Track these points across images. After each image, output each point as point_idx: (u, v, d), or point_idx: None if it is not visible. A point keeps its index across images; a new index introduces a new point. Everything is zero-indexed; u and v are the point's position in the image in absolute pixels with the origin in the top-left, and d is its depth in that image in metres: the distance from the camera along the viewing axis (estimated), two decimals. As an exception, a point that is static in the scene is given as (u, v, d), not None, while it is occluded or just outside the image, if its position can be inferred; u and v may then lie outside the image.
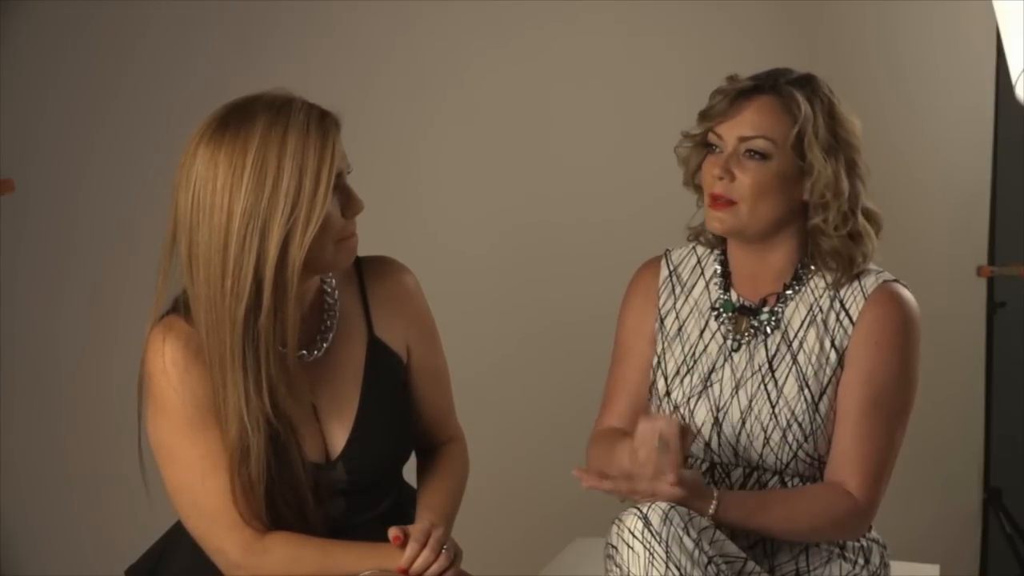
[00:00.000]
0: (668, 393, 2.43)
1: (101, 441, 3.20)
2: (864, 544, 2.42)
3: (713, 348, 2.42)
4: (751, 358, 2.40)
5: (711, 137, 2.38)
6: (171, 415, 2.17)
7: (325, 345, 2.26)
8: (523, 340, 3.80)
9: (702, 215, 2.43)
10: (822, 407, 2.36)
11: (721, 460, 2.41)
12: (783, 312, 2.40)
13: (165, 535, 2.34)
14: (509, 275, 3.81)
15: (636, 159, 3.82)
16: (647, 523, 2.17)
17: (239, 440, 2.14)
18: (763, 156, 2.33)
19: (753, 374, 2.39)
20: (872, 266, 2.40)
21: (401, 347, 2.31)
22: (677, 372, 2.44)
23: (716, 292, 2.45)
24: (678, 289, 2.48)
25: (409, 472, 2.41)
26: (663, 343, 2.46)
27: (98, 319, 3.32)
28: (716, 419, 2.39)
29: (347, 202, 2.18)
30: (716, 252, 2.47)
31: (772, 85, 2.36)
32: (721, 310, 2.44)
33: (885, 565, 2.44)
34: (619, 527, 2.20)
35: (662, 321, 2.47)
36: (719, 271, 2.46)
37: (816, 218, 2.35)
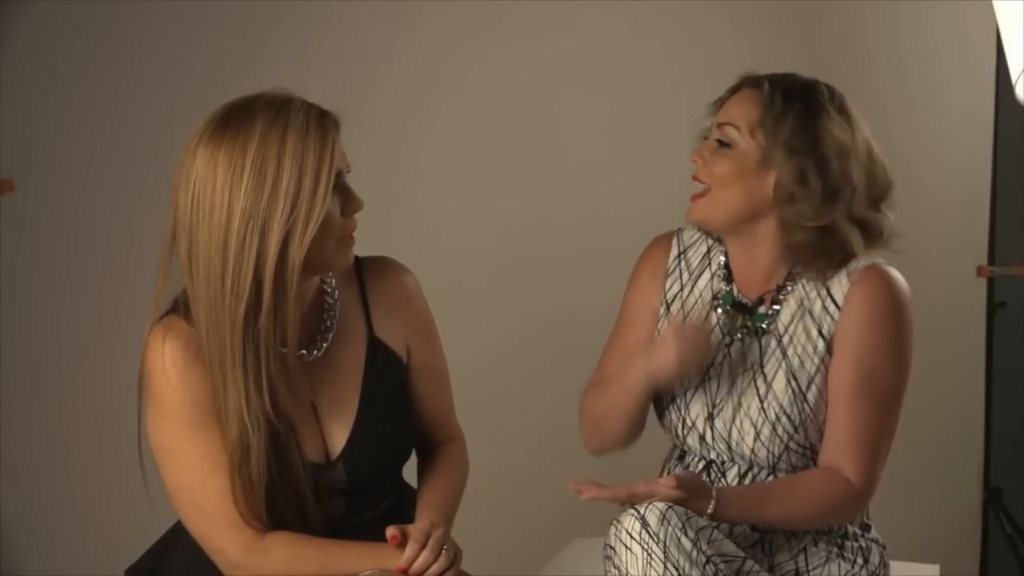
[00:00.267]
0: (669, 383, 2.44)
1: (101, 441, 3.20)
2: (863, 544, 2.42)
3: (713, 341, 2.43)
4: (744, 356, 2.40)
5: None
6: (171, 415, 2.17)
7: (325, 345, 2.26)
8: (523, 339, 3.80)
9: None
10: (810, 396, 2.36)
11: (716, 457, 2.41)
12: (777, 315, 2.40)
13: (165, 535, 2.34)
14: (509, 274, 3.81)
15: (636, 158, 3.82)
16: (644, 524, 2.17)
17: (239, 439, 2.14)
18: (728, 144, 2.36)
19: (745, 371, 2.39)
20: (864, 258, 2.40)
21: (401, 347, 2.31)
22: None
23: (719, 284, 2.46)
24: (686, 275, 2.49)
25: (409, 472, 2.41)
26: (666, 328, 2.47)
27: (98, 319, 3.32)
28: (710, 413, 2.39)
29: (347, 201, 2.18)
30: (722, 246, 2.48)
31: (757, 80, 2.38)
32: (721, 301, 2.44)
33: (885, 565, 2.44)
34: (617, 528, 2.20)
35: (668, 306, 2.48)
36: (723, 263, 2.47)
37: (785, 210, 2.35)
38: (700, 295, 2.47)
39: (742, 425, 2.37)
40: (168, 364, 2.16)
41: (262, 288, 2.11)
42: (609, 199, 3.81)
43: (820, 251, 2.35)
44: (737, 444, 2.38)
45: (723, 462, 2.42)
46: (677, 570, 2.16)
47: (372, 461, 2.26)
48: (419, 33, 3.68)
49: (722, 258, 2.48)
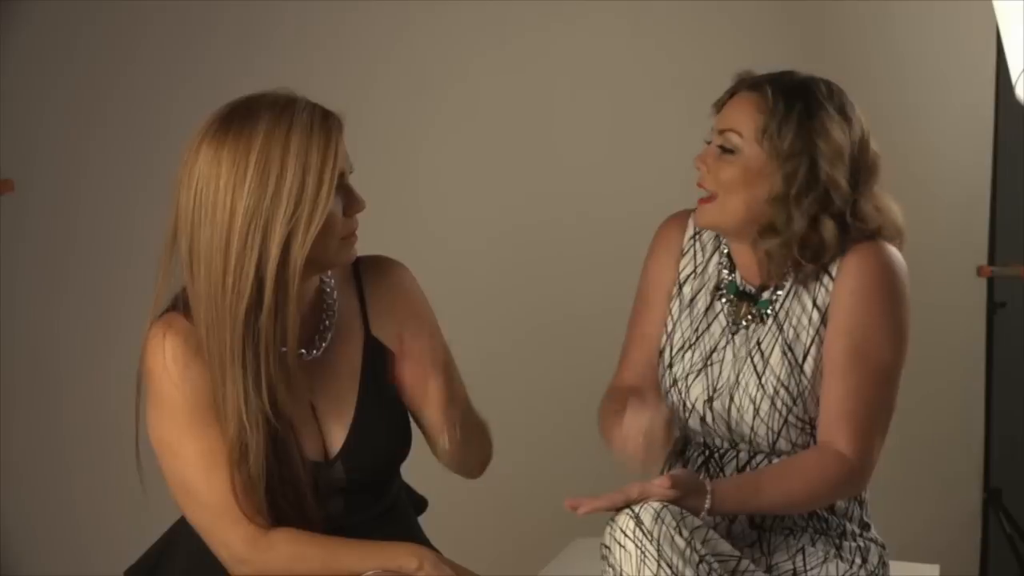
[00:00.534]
0: (671, 365, 2.44)
1: (101, 441, 3.19)
2: (862, 544, 2.42)
3: (716, 328, 2.44)
4: (747, 341, 2.41)
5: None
6: (172, 411, 2.17)
7: (324, 344, 2.26)
8: (523, 339, 3.80)
9: None
10: (807, 367, 2.36)
11: (715, 442, 2.42)
12: (781, 297, 2.41)
13: (164, 536, 2.34)
14: (509, 275, 3.81)
15: (636, 158, 3.82)
16: (639, 522, 2.18)
17: (238, 438, 2.14)
18: (732, 150, 2.36)
19: (746, 355, 2.40)
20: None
21: (395, 343, 2.31)
22: (682, 346, 2.45)
23: (723, 273, 2.47)
24: (699, 257, 2.49)
25: (410, 473, 2.41)
26: (678, 308, 2.47)
27: (98, 319, 3.33)
28: (710, 396, 2.40)
29: (349, 201, 2.18)
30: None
31: (755, 83, 2.38)
32: (725, 290, 2.45)
33: (884, 565, 2.44)
34: (612, 527, 2.20)
35: (680, 287, 2.48)
36: (727, 253, 2.48)
37: (773, 214, 2.35)
38: (707, 279, 2.48)
39: (741, 403, 2.38)
40: (169, 361, 2.16)
41: (263, 287, 2.11)
42: (610, 199, 3.81)
43: (789, 256, 2.36)
44: (737, 424, 2.39)
45: (723, 452, 2.42)
46: (671, 568, 2.17)
47: (371, 459, 2.26)
48: (419, 33, 3.68)
49: (727, 248, 2.48)
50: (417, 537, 2.35)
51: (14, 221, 3.21)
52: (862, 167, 2.37)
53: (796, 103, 2.35)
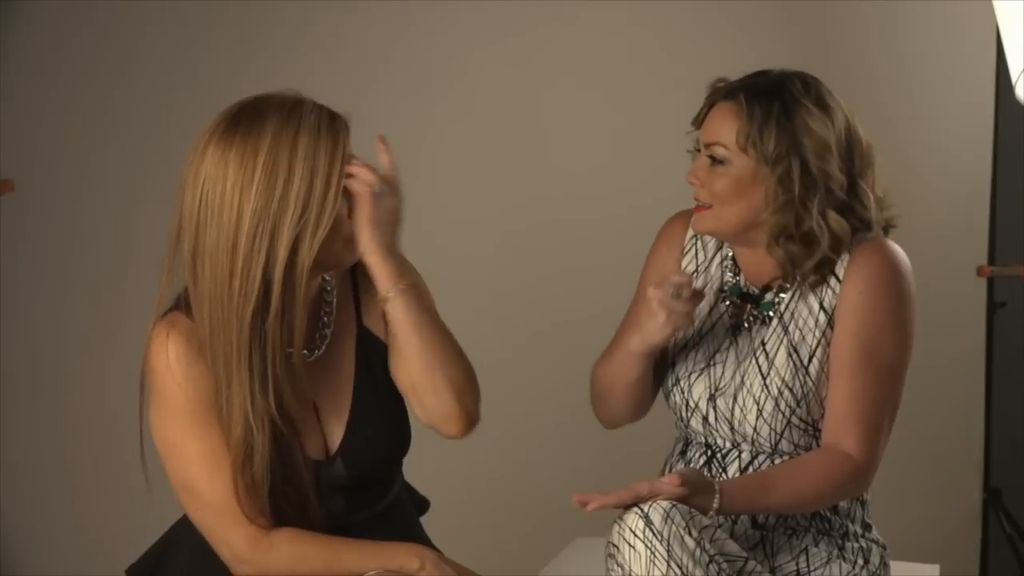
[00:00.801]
0: (673, 364, 2.44)
1: (101, 441, 3.20)
2: (864, 544, 2.42)
3: (720, 329, 2.45)
4: (751, 342, 2.41)
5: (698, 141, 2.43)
6: (175, 411, 2.17)
7: (325, 343, 2.26)
8: (523, 340, 3.80)
9: None
10: (812, 369, 2.36)
11: (716, 443, 2.42)
12: (784, 299, 2.41)
13: (165, 535, 2.34)
14: (509, 276, 3.81)
15: (637, 159, 3.82)
16: (648, 522, 2.17)
17: (243, 440, 2.14)
18: (721, 161, 2.37)
19: (750, 355, 2.40)
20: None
21: (383, 330, 2.31)
22: (684, 346, 2.46)
23: (727, 275, 2.47)
24: (701, 256, 2.50)
25: (412, 473, 2.41)
26: None
27: (98, 319, 3.33)
28: (711, 395, 2.40)
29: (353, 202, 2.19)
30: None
31: (731, 90, 2.38)
32: (728, 292, 2.45)
33: (885, 565, 2.44)
34: (620, 526, 2.20)
35: None
36: (730, 255, 2.48)
37: (771, 218, 2.35)
38: (710, 280, 2.48)
39: (745, 403, 2.38)
40: (172, 360, 2.16)
41: (271, 289, 2.11)
42: (610, 199, 3.81)
43: (797, 259, 2.36)
44: (740, 423, 2.39)
45: (726, 452, 2.42)
46: (680, 568, 2.16)
47: (369, 454, 2.26)
48: (419, 33, 3.68)
49: (730, 249, 2.49)
50: (418, 537, 2.35)
51: (14, 221, 3.21)
52: (855, 153, 2.38)
53: (773, 105, 2.35)
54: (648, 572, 2.17)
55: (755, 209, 2.36)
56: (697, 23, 3.85)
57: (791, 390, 2.37)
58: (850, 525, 2.42)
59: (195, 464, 2.17)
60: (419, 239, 3.44)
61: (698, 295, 2.33)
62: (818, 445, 2.38)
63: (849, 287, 2.36)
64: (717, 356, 2.43)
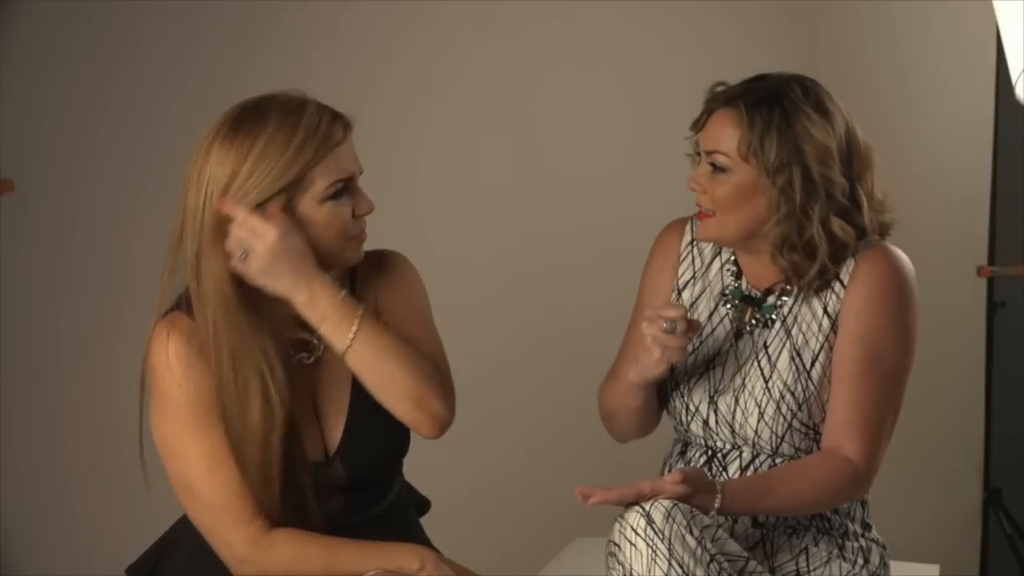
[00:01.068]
0: (672, 370, 2.44)
1: (101, 441, 3.20)
2: (864, 544, 2.42)
3: (720, 333, 2.44)
4: (753, 345, 2.41)
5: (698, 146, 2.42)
6: (176, 411, 2.17)
7: (324, 345, 2.26)
8: (523, 341, 3.80)
9: None
10: (815, 373, 2.36)
11: (719, 444, 2.42)
12: (786, 303, 2.41)
13: (165, 535, 2.34)
14: (509, 277, 3.81)
15: (639, 162, 3.82)
16: (650, 521, 2.17)
17: (262, 435, 2.14)
18: (723, 169, 2.36)
19: (751, 356, 2.40)
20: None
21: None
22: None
23: (728, 279, 2.47)
24: (698, 262, 2.50)
25: (412, 473, 2.41)
26: None
27: (98, 319, 3.33)
28: (711, 398, 2.40)
29: (357, 203, 2.19)
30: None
31: (731, 97, 2.37)
32: (730, 296, 2.45)
33: (885, 565, 2.44)
34: (622, 525, 2.20)
35: (679, 292, 2.49)
36: (732, 259, 2.48)
37: (773, 229, 2.35)
38: (709, 285, 2.48)
39: (746, 406, 2.38)
40: (173, 360, 2.16)
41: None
42: (611, 202, 3.81)
43: (799, 269, 2.36)
44: (741, 426, 2.39)
45: (726, 453, 2.42)
46: (681, 567, 2.16)
47: (367, 456, 2.26)
48: (419, 33, 3.68)
49: (731, 253, 2.49)
50: (418, 537, 2.35)
51: (14, 221, 3.21)
52: (854, 156, 2.37)
53: (773, 113, 2.34)
54: (649, 570, 2.17)
55: (757, 217, 2.36)
56: (697, 23, 3.85)
57: (793, 394, 2.37)
58: (850, 525, 2.42)
59: (195, 464, 2.17)
60: (419, 239, 3.45)
61: (694, 327, 2.32)
62: (819, 448, 2.38)
63: (854, 292, 2.36)
64: (717, 360, 2.43)
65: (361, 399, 2.25)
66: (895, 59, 3.95)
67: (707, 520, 2.21)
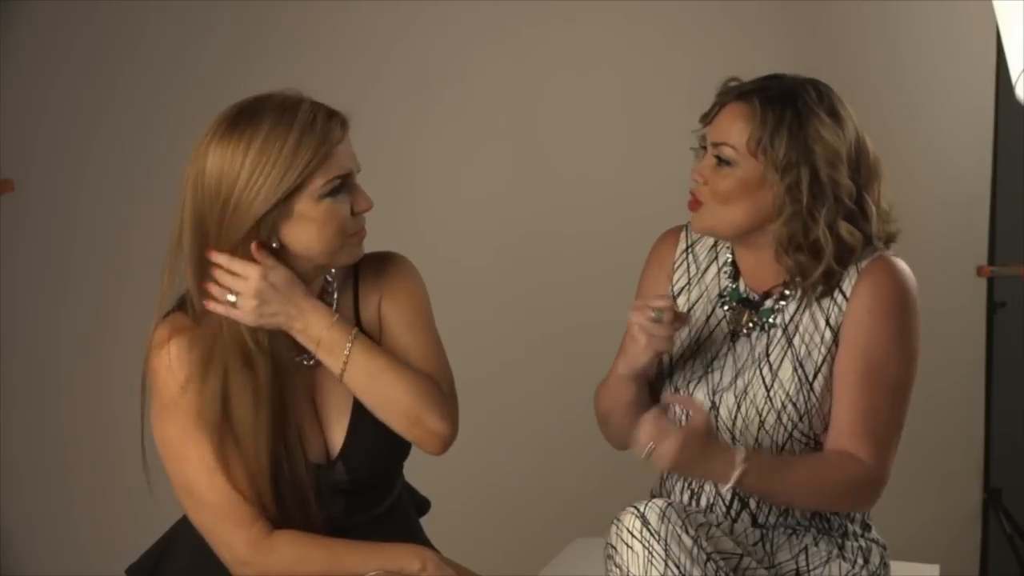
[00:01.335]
0: (671, 374, 2.44)
1: (101, 441, 3.20)
2: (864, 544, 2.42)
3: (718, 335, 2.44)
4: (751, 348, 2.41)
5: (704, 139, 2.41)
6: (177, 413, 2.17)
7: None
8: (523, 342, 3.80)
9: None
10: (817, 385, 2.36)
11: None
12: (784, 308, 2.41)
13: (165, 535, 2.34)
14: (510, 279, 3.81)
15: (639, 162, 3.82)
16: (645, 522, 2.17)
17: (267, 437, 2.15)
18: (728, 163, 2.36)
19: (752, 363, 2.40)
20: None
21: (376, 322, 2.31)
22: (682, 354, 2.45)
23: (725, 280, 2.47)
24: (693, 269, 2.49)
25: (410, 473, 2.41)
26: None
27: (98, 319, 3.33)
28: (713, 403, 2.40)
29: (355, 200, 2.19)
30: (727, 241, 2.48)
31: (744, 92, 2.37)
32: (728, 298, 2.45)
33: (885, 565, 2.44)
34: (618, 527, 2.20)
35: (674, 299, 2.49)
36: (730, 260, 2.48)
37: (779, 228, 2.35)
38: (706, 289, 2.48)
39: (747, 414, 2.38)
40: (174, 361, 2.17)
41: None
42: (611, 204, 3.81)
43: (804, 269, 2.35)
44: (741, 434, 2.38)
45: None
46: (678, 567, 2.17)
47: (369, 458, 2.26)
48: (419, 33, 3.68)
49: (729, 255, 2.48)
50: (418, 538, 2.35)
51: (14, 221, 3.21)
52: (863, 165, 2.37)
53: (786, 112, 2.34)
54: (646, 572, 2.17)
55: (758, 213, 2.36)
56: (696, 23, 3.85)
57: (795, 404, 2.36)
58: (849, 525, 2.42)
59: (195, 466, 2.17)
60: (419, 239, 3.45)
61: (681, 318, 2.32)
62: None
63: (857, 305, 2.36)
64: (715, 363, 2.43)
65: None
66: (895, 59, 3.95)
67: (702, 518, 2.21)
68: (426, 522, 2.44)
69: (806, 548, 2.38)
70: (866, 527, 2.45)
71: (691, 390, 2.43)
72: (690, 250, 2.51)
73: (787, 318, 2.40)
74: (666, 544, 2.16)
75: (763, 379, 2.38)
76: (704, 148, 2.41)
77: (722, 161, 2.36)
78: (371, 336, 2.28)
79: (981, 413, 4.03)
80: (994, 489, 4.03)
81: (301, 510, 2.21)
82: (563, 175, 3.82)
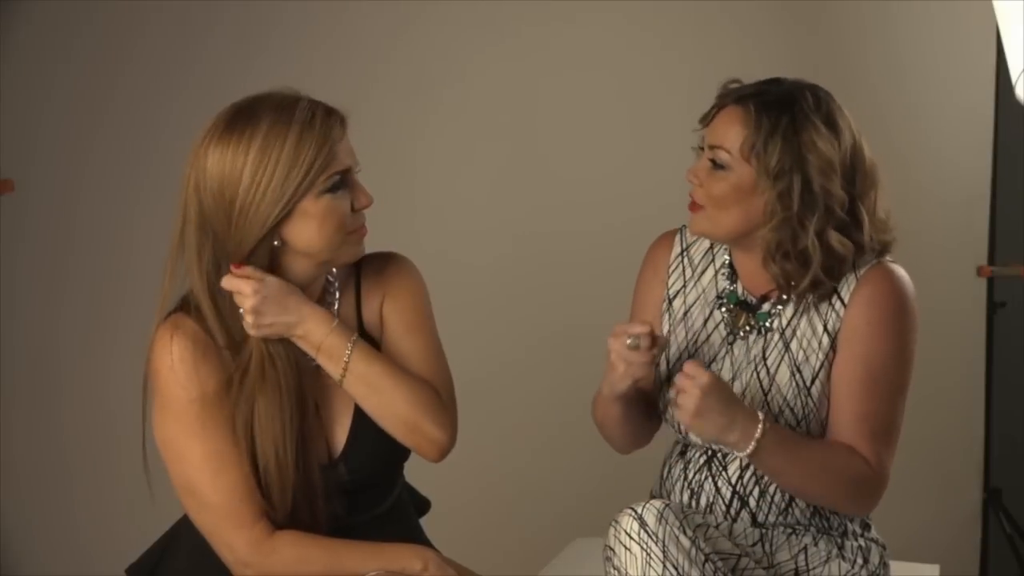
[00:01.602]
0: (668, 378, 2.44)
1: (101, 441, 3.20)
2: (863, 544, 2.42)
3: (716, 338, 2.44)
4: (748, 351, 2.41)
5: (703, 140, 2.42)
6: (179, 413, 2.17)
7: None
8: (523, 342, 3.80)
9: None
10: (814, 391, 2.36)
11: (719, 448, 2.41)
12: (782, 312, 2.40)
13: (165, 535, 2.34)
14: (510, 280, 3.81)
15: (639, 163, 3.82)
16: (643, 523, 2.18)
17: (292, 434, 2.16)
18: (722, 166, 2.36)
19: (748, 365, 2.40)
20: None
21: (378, 324, 2.31)
22: (679, 357, 2.45)
23: (723, 282, 2.47)
24: (688, 272, 2.49)
25: (411, 473, 2.41)
26: (669, 324, 2.47)
27: (98, 319, 3.33)
28: None
29: (355, 196, 2.19)
30: (725, 245, 2.48)
31: (742, 96, 2.36)
32: (725, 300, 2.45)
33: (884, 565, 2.44)
34: (616, 529, 2.20)
35: (670, 302, 2.49)
36: (728, 262, 2.47)
37: (769, 234, 2.35)
38: (703, 292, 2.48)
39: (744, 419, 2.37)
40: (176, 361, 2.16)
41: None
42: (611, 205, 3.82)
43: (792, 276, 2.35)
44: (738, 438, 2.38)
45: (725, 453, 2.42)
46: (676, 569, 2.17)
47: (370, 459, 2.26)
48: (419, 33, 3.68)
49: (726, 257, 2.48)
50: (418, 538, 2.35)
51: (14, 221, 3.21)
52: (858, 173, 2.36)
53: (782, 118, 2.33)
54: (644, 573, 2.17)
55: (750, 218, 2.36)
56: (696, 23, 3.85)
57: (792, 410, 2.36)
58: (849, 524, 2.42)
59: (197, 467, 2.17)
60: (419, 239, 3.46)
61: (659, 343, 2.31)
62: None
63: (855, 312, 2.35)
64: (712, 366, 2.42)
65: (364, 403, 2.26)
66: (895, 59, 3.95)
67: (699, 519, 2.22)
68: (426, 522, 2.44)
69: (805, 548, 2.38)
70: (866, 527, 2.45)
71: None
72: (685, 253, 2.51)
73: (784, 322, 2.40)
74: (664, 545, 2.16)
75: (760, 383, 2.38)
76: (702, 149, 2.41)
77: (717, 165, 2.36)
78: (373, 337, 2.28)
79: (981, 413, 4.03)
80: (994, 489, 4.03)
81: (309, 508, 2.21)
82: (562, 175, 3.82)
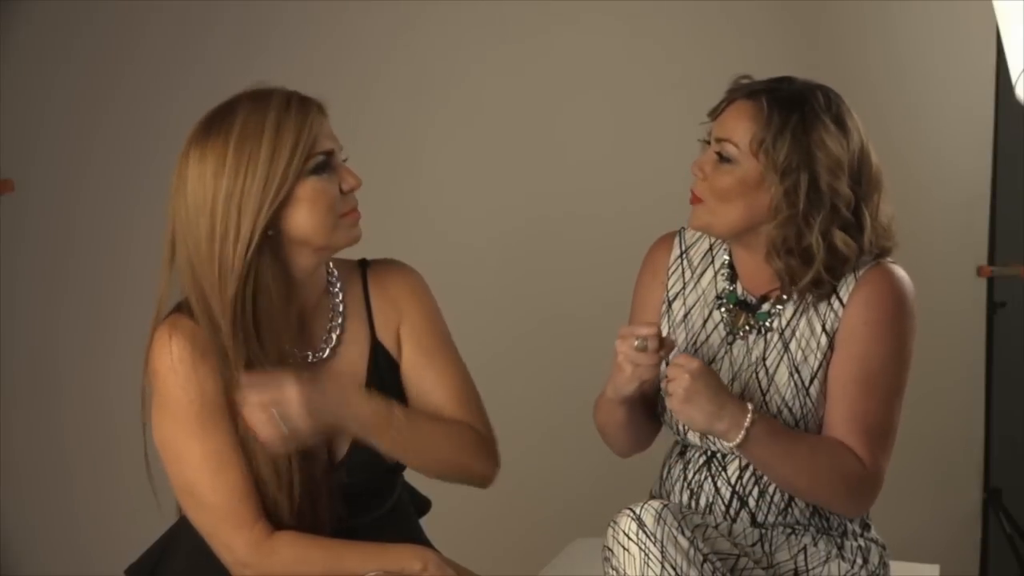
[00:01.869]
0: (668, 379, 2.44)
1: (101, 441, 3.20)
2: (863, 544, 2.42)
3: (715, 339, 2.44)
4: (748, 352, 2.41)
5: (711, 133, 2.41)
6: (178, 413, 2.17)
7: (329, 347, 2.26)
8: (523, 339, 3.80)
9: None
10: (813, 391, 2.36)
11: (718, 448, 2.41)
12: (781, 312, 2.40)
13: (165, 535, 2.34)
14: (510, 275, 3.81)
15: (637, 157, 3.82)
16: (641, 524, 2.18)
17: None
18: (729, 160, 2.35)
19: (748, 366, 2.40)
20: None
21: (396, 346, 2.31)
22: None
23: (723, 283, 2.46)
24: (688, 273, 2.49)
25: (411, 473, 2.41)
26: (669, 326, 2.47)
27: (98, 319, 3.33)
28: None
29: (342, 178, 2.19)
30: (725, 245, 2.48)
31: (754, 91, 2.36)
32: (725, 300, 2.45)
33: (884, 565, 2.44)
34: (614, 529, 2.20)
35: (670, 304, 2.49)
36: (727, 262, 2.47)
37: (773, 231, 2.35)
38: (703, 293, 2.47)
39: (743, 418, 2.37)
40: (176, 361, 2.16)
41: (261, 273, 2.15)
42: (610, 198, 3.82)
43: (794, 274, 2.35)
44: (737, 439, 2.38)
45: (724, 454, 2.42)
46: (675, 569, 2.17)
47: (373, 465, 2.26)
48: (420, 33, 3.68)
49: (726, 257, 2.48)
50: (418, 538, 2.35)
51: (14, 221, 3.21)
52: (864, 176, 2.36)
53: (792, 115, 2.33)
54: (643, 574, 2.17)
55: (754, 213, 2.36)
56: (696, 23, 3.85)
57: (790, 409, 2.36)
58: (848, 524, 2.42)
59: (196, 467, 2.17)
60: (420, 239, 3.46)
61: (667, 345, 2.31)
62: None
63: (853, 312, 2.35)
64: (712, 366, 2.42)
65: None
66: (895, 59, 3.95)
67: (698, 519, 2.22)
68: (426, 522, 2.44)
69: (805, 548, 2.38)
70: (865, 527, 2.45)
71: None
72: (684, 255, 2.51)
73: (784, 323, 2.40)
74: (662, 546, 2.16)
75: (759, 383, 2.38)
76: (708, 142, 2.41)
77: (723, 158, 2.36)
78: (390, 354, 2.29)
79: (981, 413, 4.03)
80: (994, 489, 4.03)
81: (312, 509, 2.21)
82: (565, 174, 3.82)
